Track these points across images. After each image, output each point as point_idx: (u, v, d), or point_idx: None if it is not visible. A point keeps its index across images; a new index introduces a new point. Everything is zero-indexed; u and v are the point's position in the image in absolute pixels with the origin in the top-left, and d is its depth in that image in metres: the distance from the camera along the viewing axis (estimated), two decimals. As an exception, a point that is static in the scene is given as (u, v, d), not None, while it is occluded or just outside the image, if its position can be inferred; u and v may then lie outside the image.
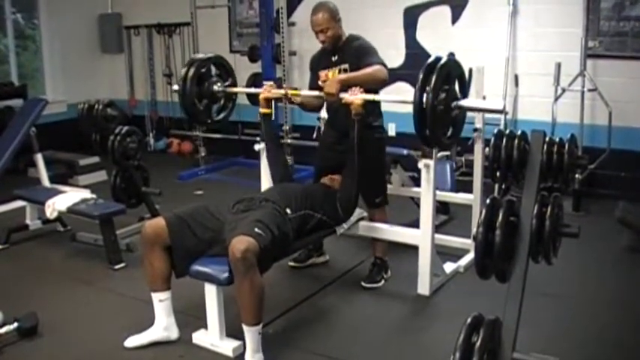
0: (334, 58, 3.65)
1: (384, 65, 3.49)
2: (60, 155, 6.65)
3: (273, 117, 3.83)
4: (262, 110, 3.69)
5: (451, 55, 2.94)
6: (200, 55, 3.97)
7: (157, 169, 5.35)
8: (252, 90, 3.75)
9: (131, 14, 8.06)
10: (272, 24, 6.44)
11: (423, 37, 6.07)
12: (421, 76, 2.79)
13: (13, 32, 7.33)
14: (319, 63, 3.77)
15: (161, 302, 3.04)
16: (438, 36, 5.97)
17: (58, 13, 7.57)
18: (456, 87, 2.93)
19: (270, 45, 6.43)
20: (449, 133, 3.00)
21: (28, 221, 4.74)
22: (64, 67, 7.69)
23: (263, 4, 6.39)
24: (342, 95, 3.35)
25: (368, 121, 3.54)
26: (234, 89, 3.96)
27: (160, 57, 7.94)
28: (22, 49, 7.67)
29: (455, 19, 5.87)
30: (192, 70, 3.71)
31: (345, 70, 3.57)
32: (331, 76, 3.61)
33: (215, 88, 3.84)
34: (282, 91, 3.70)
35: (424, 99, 2.75)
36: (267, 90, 3.67)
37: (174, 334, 3.10)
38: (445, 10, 5.90)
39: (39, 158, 5.52)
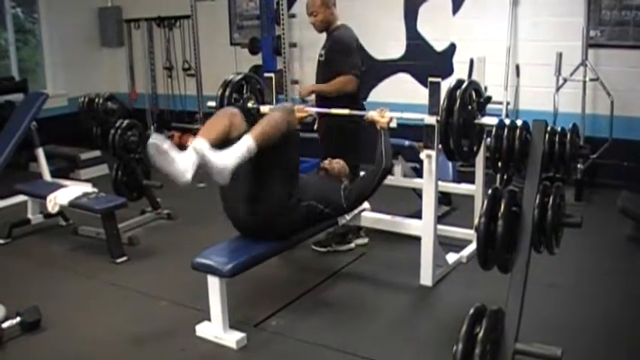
0: (323, 43, 4.10)
1: (355, 74, 3.90)
2: (61, 149, 6.66)
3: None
4: None
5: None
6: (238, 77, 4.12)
7: (158, 162, 5.33)
8: None
9: (131, 7, 8.03)
10: (272, 16, 6.42)
11: (423, 27, 6.04)
12: (446, 96, 3.07)
13: (13, 26, 7.31)
14: None
15: (195, 150, 2.73)
16: (439, 26, 5.94)
17: (57, 7, 7.55)
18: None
19: (270, 37, 6.42)
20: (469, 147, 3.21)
21: (29, 216, 4.74)
22: (64, 61, 7.67)
23: (263, -4, 6.38)
24: (370, 114, 3.59)
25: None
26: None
27: (161, 50, 7.93)
28: (23, 43, 7.65)
29: (456, 9, 5.84)
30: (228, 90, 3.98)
31: (321, 56, 4.07)
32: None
33: (249, 105, 4.06)
34: (312, 112, 4.01)
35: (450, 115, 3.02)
36: (300, 110, 3.91)
37: (189, 174, 2.71)
38: (446, 0, 5.87)
39: (40, 152, 5.53)
